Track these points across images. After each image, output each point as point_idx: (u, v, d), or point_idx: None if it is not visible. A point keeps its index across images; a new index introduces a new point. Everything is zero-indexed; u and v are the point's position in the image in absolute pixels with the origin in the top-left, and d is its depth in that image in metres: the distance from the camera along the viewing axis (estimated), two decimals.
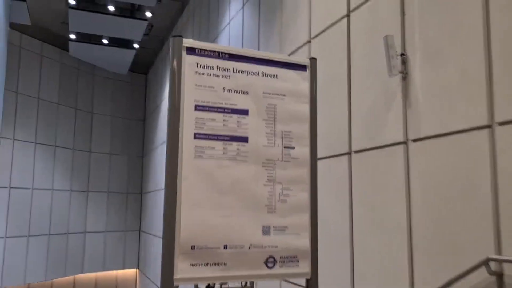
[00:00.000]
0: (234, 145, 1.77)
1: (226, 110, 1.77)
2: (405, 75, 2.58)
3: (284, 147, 1.85)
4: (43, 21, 9.65)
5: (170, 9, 9.12)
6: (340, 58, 3.17)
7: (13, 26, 9.09)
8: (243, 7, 5.34)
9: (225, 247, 1.67)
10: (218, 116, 1.75)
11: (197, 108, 1.72)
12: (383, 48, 2.56)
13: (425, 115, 2.40)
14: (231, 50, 1.80)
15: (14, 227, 9.49)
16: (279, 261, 1.76)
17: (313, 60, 1.93)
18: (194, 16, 7.94)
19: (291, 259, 1.79)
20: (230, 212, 1.70)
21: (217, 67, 1.76)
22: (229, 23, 5.86)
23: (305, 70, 1.92)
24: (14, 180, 9.57)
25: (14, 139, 9.60)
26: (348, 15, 3.14)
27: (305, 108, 1.91)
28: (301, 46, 3.76)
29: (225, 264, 1.67)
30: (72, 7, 7.94)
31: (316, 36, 3.53)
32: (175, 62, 1.66)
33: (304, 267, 1.81)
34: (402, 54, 2.59)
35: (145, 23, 8.46)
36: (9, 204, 9.47)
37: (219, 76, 1.76)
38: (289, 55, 3.98)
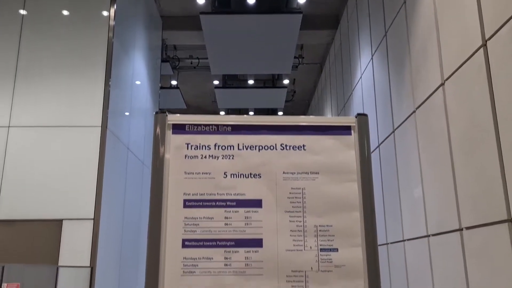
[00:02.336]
0: (242, 252, 1.25)
1: (229, 203, 1.28)
2: None
3: (321, 250, 1.26)
4: (197, 102, 10.58)
5: (310, 73, 9.12)
6: (481, 99, 2.49)
7: (173, 111, 10.19)
8: (372, 59, 4.91)
9: None
10: (218, 212, 1.27)
11: (187, 204, 1.27)
12: None
13: None
14: (235, 119, 1.34)
15: None
16: None
17: (362, 117, 1.36)
18: (330, 76, 7.73)
19: None
20: None
21: (215, 145, 1.33)
22: (361, 77, 5.45)
23: (350, 134, 1.35)
24: None
25: None
26: (484, 45, 2.49)
27: (353, 188, 1.30)
28: (435, 91, 3.13)
29: None
30: (217, 87, 8.53)
31: (449, 77, 2.90)
32: (158, 147, 1.28)
33: None
34: None
35: (285, 91, 8.56)
36: None
37: (218, 157, 1.32)
38: (422, 103, 3.38)
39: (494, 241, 2.34)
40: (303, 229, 1.28)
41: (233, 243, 1.27)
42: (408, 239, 3.69)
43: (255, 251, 1.27)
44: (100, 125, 4.20)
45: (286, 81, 8.51)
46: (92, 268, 4.11)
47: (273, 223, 1.28)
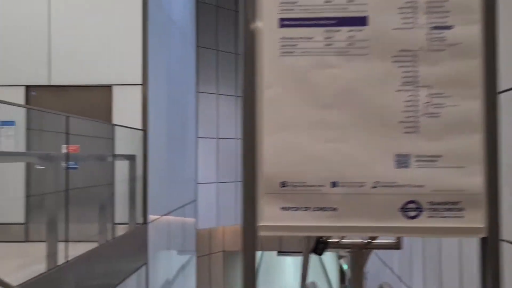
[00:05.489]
0: (344, 31, 1.17)
1: None
2: None
3: (432, 28, 1.16)
4: None
5: None
6: None
7: None
8: None
9: (334, 184, 1.14)
10: None
11: None
12: None
13: None
14: None
15: (224, 174, 10.53)
16: (427, 209, 1.15)
17: None
18: None
19: (450, 206, 1.15)
20: (340, 135, 1.14)
21: None
22: None
23: None
24: (220, 131, 10.52)
25: (217, 94, 10.46)
26: None
27: None
28: None
29: (335, 209, 1.15)
30: None
31: None
32: None
33: (474, 219, 1.14)
34: None
35: None
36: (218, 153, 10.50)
37: None
38: None
39: None
40: (412, 5, 1.18)
41: (334, 21, 1.19)
42: None
43: (359, 30, 1.18)
44: None
45: None
46: (145, 131, 4.27)
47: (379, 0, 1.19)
